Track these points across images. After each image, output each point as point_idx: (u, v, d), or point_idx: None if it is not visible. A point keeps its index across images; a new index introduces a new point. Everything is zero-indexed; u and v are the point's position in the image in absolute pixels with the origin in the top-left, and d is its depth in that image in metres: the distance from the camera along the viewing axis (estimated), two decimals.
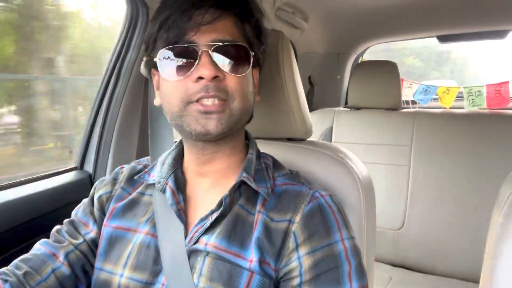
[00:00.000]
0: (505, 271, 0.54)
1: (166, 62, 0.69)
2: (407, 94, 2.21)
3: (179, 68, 0.68)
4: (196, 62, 0.66)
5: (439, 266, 1.80)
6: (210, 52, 0.66)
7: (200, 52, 0.66)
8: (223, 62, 0.67)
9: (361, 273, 0.67)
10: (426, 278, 1.78)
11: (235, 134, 0.75)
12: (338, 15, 1.96)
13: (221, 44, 0.67)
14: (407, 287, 1.70)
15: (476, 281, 0.61)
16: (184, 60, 0.67)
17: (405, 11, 1.90)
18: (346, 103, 2.46)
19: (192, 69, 0.66)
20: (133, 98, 1.31)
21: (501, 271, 0.54)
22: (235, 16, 0.71)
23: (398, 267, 1.88)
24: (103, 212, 0.81)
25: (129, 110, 1.32)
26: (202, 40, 0.67)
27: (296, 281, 0.65)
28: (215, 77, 0.66)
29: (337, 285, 0.64)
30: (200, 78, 0.66)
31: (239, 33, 0.71)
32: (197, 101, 0.67)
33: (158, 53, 0.69)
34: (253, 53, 0.72)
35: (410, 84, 2.22)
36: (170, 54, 0.68)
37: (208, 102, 0.66)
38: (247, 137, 0.82)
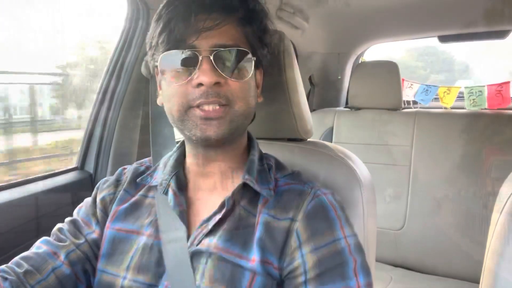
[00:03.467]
0: (505, 271, 0.54)
1: (167, 67, 0.69)
2: (408, 94, 2.21)
3: (180, 73, 0.68)
4: (197, 68, 0.66)
5: (439, 266, 1.80)
6: (211, 57, 0.66)
7: (201, 58, 0.66)
8: (224, 67, 0.67)
9: (367, 270, 0.67)
10: (426, 278, 1.78)
11: (236, 138, 0.75)
12: (339, 15, 1.96)
13: (222, 49, 0.66)
14: (408, 287, 1.70)
15: (477, 281, 0.60)
16: (185, 66, 0.67)
17: (405, 11, 1.90)
18: (346, 103, 2.46)
19: (192, 75, 0.66)
20: (133, 98, 1.31)
21: (501, 271, 0.54)
22: (238, 19, 0.70)
23: (398, 267, 1.88)
24: (106, 214, 0.81)
25: (130, 110, 1.32)
26: (203, 45, 0.66)
27: (301, 279, 0.65)
28: (216, 83, 0.66)
29: (343, 280, 0.64)
30: (201, 84, 0.66)
31: (242, 37, 0.70)
32: (198, 106, 0.67)
33: (160, 57, 0.69)
34: (255, 57, 0.71)
35: (411, 84, 2.22)
36: (171, 58, 0.68)
37: (209, 107, 0.66)
38: (249, 138, 0.82)
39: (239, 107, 0.68)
